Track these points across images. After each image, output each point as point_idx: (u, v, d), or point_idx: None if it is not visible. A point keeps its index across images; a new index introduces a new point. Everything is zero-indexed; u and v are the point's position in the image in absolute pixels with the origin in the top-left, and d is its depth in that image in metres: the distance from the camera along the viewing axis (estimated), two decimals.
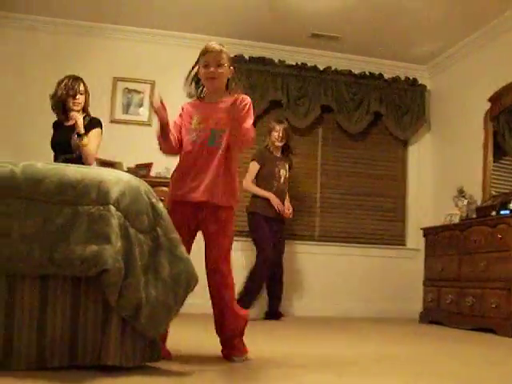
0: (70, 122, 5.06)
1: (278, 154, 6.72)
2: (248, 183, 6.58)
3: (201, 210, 3.27)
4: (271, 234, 6.46)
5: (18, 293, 2.53)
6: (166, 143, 3.44)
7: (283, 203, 6.58)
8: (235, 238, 3.57)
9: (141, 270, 2.59)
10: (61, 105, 5.08)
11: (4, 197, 2.54)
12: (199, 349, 3.67)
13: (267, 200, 6.46)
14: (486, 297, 5.72)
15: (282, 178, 6.62)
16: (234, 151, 3.35)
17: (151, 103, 3.40)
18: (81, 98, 5.14)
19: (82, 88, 5.15)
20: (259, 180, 6.59)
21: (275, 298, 6.69)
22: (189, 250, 3.22)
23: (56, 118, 5.16)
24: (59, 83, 5.12)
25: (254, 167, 6.61)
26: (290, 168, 6.78)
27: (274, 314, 6.64)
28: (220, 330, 3.33)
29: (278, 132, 6.62)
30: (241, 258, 6.86)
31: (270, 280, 6.52)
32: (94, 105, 7.11)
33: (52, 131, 5.16)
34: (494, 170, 6.81)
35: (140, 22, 7.27)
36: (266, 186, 6.53)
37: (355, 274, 7.60)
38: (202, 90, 3.60)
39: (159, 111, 3.30)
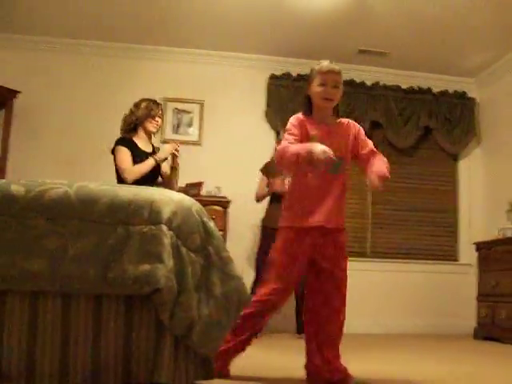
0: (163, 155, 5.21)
1: None
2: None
3: (321, 236, 3.30)
4: None
5: (73, 312, 2.57)
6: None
7: None
8: None
9: (193, 289, 2.61)
10: (133, 126, 5.23)
11: (59, 218, 2.59)
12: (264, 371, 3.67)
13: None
14: None
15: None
16: None
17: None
18: (159, 122, 5.31)
19: (160, 112, 5.31)
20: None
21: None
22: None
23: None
24: (137, 105, 5.27)
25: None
26: None
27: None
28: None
29: None
30: None
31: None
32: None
33: (124, 149, 5.07)
34: None
35: (189, 43, 7.38)
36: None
37: (407, 290, 7.52)
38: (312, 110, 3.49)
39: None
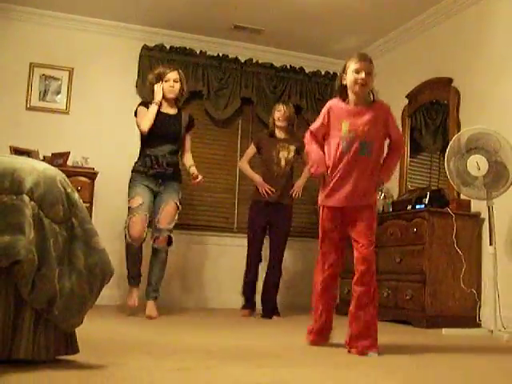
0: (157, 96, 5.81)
1: (282, 136, 6.44)
2: (242, 164, 6.70)
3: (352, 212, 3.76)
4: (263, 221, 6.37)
5: None
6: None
7: (284, 187, 6.34)
8: None
9: (55, 261, 2.52)
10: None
11: None
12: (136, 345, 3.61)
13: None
14: (401, 289, 5.85)
15: (283, 161, 6.34)
16: None
17: None
18: (175, 86, 5.83)
19: (176, 77, 5.85)
20: (261, 165, 6.51)
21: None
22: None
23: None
24: (152, 71, 6.15)
25: (251, 150, 6.60)
26: (297, 150, 6.36)
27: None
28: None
29: (280, 111, 6.41)
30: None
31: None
32: (9, 91, 6.97)
33: (139, 108, 5.85)
34: (411, 166, 6.97)
35: (60, 7, 7.09)
36: (265, 170, 6.39)
37: None
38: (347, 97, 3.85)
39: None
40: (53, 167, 2.77)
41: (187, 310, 6.58)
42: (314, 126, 3.89)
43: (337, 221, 3.81)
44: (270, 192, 6.26)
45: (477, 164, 4.98)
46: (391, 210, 6.48)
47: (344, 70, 3.79)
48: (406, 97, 6.96)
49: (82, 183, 6.38)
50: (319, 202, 3.93)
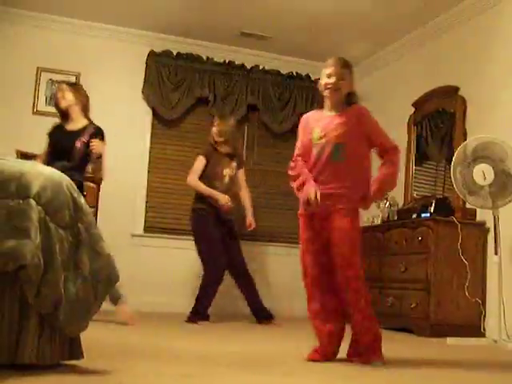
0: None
1: (224, 151, 6.27)
2: (194, 179, 6.17)
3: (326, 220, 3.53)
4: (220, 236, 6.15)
5: None
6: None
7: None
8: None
9: (60, 266, 2.53)
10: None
11: None
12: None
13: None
14: (406, 297, 5.83)
15: (227, 178, 6.23)
16: None
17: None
18: (60, 98, 5.48)
19: (64, 89, 5.49)
20: (203, 178, 6.16)
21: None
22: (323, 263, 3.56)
23: None
24: None
25: (200, 162, 6.19)
26: (238, 166, 6.34)
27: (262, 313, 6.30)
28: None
29: (215, 127, 6.26)
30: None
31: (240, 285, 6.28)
32: (17, 95, 7.00)
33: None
34: (416, 174, 6.95)
35: (67, 12, 7.11)
36: (208, 185, 6.12)
37: (277, 273, 7.61)
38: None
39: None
40: (59, 172, 2.78)
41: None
42: (297, 150, 3.79)
43: (315, 229, 3.60)
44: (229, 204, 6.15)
45: (483, 173, 4.97)
46: (396, 218, 6.47)
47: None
48: (413, 105, 6.95)
49: (88, 188, 6.36)
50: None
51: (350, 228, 3.46)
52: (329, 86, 3.60)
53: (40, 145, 6.58)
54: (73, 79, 7.20)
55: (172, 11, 6.91)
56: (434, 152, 6.80)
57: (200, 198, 6.18)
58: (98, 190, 6.56)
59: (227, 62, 7.76)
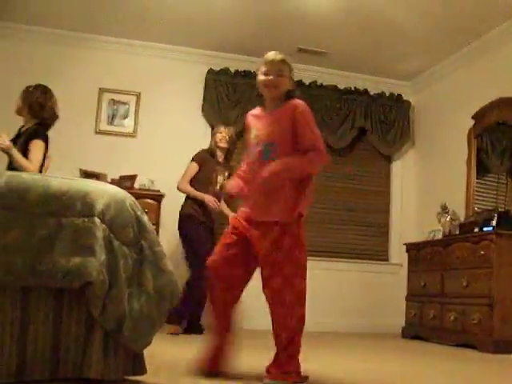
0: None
1: (220, 159, 6.41)
2: (184, 185, 6.26)
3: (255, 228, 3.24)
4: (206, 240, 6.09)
5: None
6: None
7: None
8: None
9: (125, 283, 2.58)
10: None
11: None
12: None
13: (201, 203, 6.18)
14: (468, 313, 5.73)
15: (219, 185, 6.30)
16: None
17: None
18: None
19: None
20: (195, 183, 6.26)
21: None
22: (249, 274, 3.30)
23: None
24: None
25: (193, 168, 6.31)
26: (229, 176, 6.20)
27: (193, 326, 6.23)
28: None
29: (222, 133, 6.39)
30: None
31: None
32: (79, 115, 7.15)
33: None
34: (477, 187, 6.86)
35: (127, 34, 7.27)
36: (200, 190, 6.21)
37: (339, 288, 7.60)
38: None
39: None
40: (123, 190, 2.83)
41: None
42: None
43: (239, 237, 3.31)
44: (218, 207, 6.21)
45: None
46: (458, 232, 6.39)
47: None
48: (472, 117, 6.87)
49: (148, 205, 6.47)
50: None
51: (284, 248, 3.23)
52: (267, 84, 3.35)
53: (102, 163, 6.76)
54: (133, 99, 7.33)
55: (229, 29, 6.99)
56: (495, 164, 6.70)
57: (191, 202, 6.26)
58: (159, 207, 6.66)
59: None
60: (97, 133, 7.20)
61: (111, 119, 7.28)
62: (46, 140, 4.83)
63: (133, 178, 6.67)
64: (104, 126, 7.27)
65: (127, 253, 2.63)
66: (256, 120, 3.45)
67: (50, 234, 2.51)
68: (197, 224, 6.19)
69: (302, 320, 3.17)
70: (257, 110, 3.53)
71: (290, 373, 3.07)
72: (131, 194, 3.00)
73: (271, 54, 3.40)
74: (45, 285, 2.50)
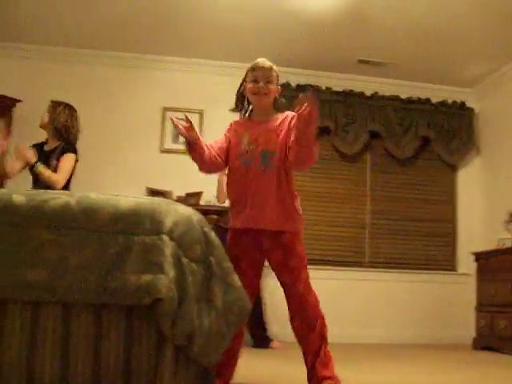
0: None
1: None
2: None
3: (265, 238, 3.27)
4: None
5: (73, 322, 2.56)
6: (198, 158, 3.54)
7: None
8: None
9: (194, 299, 2.61)
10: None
11: (60, 228, 2.58)
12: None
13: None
14: None
15: None
16: (292, 170, 3.32)
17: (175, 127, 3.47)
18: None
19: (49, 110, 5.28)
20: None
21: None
22: (257, 284, 3.36)
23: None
24: None
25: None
26: None
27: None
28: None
29: None
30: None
31: None
32: (145, 135, 7.29)
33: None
34: None
35: (187, 52, 7.39)
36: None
37: (406, 300, 7.54)
38: (248, 108, 3.54)
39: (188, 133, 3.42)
40: (190, 208, 2.87)
41: None
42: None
43: (244, 247, 3.34)
44: None
45: None
46: None
47: (243, 81, 3.51)
48: None
49: (214, 221, 6.53)
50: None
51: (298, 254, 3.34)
52: (256, 91, 3.36)
53: (168, 181, 6.86)
54: (196, 117, 7.42)
55: (289, 44, 7.03)
56: None
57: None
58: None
59: (347, 90, 7.79)
60: (162, 151, 7.32)
61: (175, 138, 7.38)
62: (75, 153, 5.03)
63: (198, 194, 6.76)
64: (169, 145, 7.38)
65: (195, 269, 2.66)
66: (245, 128, 3.44)
67: (121, 252, 2.56)
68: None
69: (323, 320, 3.29)
70: (242, 119, 3.53)
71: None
72: (197, 210, 3.04)
73: (260, 61, 3.44)
74: (116, 302, 2.55)
